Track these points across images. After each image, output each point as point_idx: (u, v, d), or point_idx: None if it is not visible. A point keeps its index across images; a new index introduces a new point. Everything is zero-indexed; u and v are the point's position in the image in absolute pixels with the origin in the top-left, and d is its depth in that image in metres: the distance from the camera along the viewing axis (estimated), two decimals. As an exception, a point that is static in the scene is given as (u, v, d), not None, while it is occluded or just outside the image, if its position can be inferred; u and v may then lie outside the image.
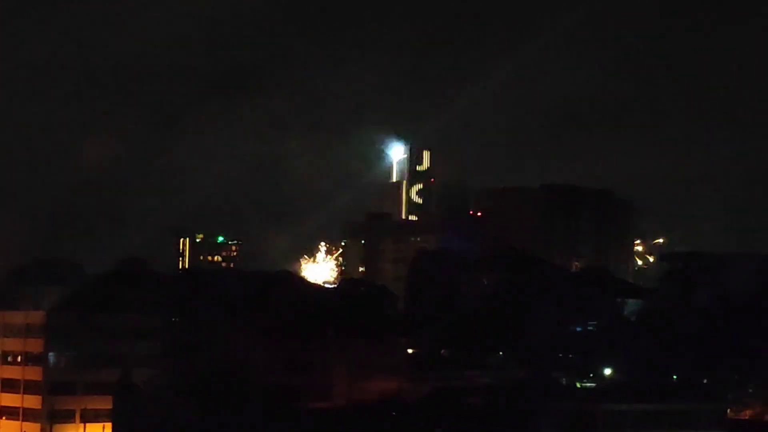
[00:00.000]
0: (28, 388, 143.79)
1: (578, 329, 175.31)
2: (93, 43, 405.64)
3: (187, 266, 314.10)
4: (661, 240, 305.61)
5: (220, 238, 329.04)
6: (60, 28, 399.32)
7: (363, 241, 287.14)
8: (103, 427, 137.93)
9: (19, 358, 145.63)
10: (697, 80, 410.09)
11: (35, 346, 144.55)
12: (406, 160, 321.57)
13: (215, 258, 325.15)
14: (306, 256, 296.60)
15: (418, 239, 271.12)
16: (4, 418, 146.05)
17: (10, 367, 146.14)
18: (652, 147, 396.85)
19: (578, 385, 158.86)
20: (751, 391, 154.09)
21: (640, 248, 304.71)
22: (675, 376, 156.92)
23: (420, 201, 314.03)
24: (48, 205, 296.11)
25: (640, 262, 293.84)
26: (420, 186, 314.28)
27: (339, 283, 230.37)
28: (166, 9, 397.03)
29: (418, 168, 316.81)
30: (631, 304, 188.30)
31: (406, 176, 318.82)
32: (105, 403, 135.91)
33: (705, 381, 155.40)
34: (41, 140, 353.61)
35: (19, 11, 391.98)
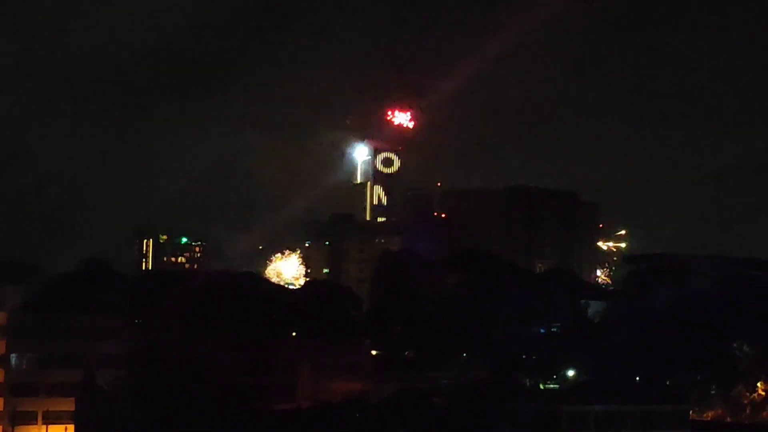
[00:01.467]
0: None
1: (541, 330, 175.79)
2: (52, 45, 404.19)
3: (150, 267, 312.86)
4: (623, 244, 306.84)
5: (184, 239, 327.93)
6: (15, 30, 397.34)
7: (327, 242, 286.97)
8: (66, 429, 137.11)
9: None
10: (662, 82, 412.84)
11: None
12: (370, 162, 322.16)
13: (179, 259, 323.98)
14: (270, 257, 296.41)
15: (383, 240, 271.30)
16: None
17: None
18: (617, 149, 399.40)
19: (541, 386, 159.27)
20: (713, 392, 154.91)
21: (605, 248, 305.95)
22: (638, 377, 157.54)
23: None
24: (9, 206, 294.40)
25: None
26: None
27: (303, 284, 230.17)
28: (123, 11, 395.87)
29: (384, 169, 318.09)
30: (595, 306, 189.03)
31: (370, 177, 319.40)
32: (67, 405, 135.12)
33: (668, 382, 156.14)
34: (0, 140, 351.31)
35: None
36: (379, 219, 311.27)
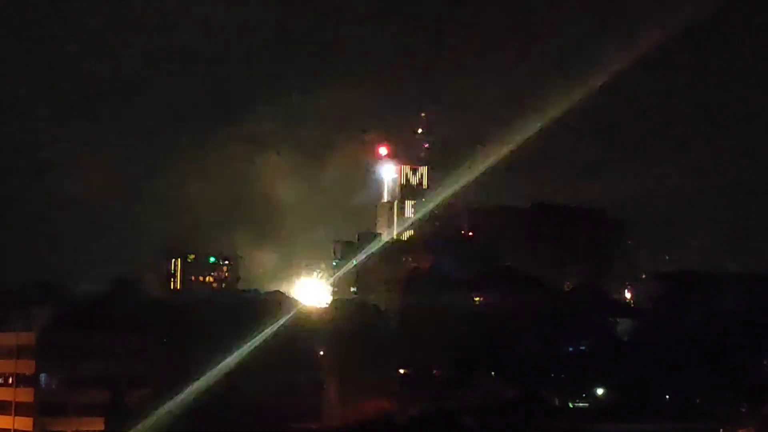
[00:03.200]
0: (20, 410, 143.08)
1: (570, 349, 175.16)
2: (81, 64, 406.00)
3: (178, 286, 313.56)
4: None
5: (212, 259, 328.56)
6: (46, 50, 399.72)
7: (354, 261, 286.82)
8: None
9: (10, 380, 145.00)
10: (691, 97, 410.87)
11: (26, 367, 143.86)
12: (397, 180, 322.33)
13: (207, 278, 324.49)
14: (297, 277, 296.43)
15: (410, 259, 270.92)
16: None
17: (1, 388, 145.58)
18: (645, 165, 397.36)
19: (570, 404, 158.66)
20: (744, 410, 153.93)
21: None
22: (668, 395, 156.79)
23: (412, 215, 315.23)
24: (35, 226, 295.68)
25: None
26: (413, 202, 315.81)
27: (330, 303, 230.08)
28: (150, 33, 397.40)
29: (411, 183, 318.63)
30: (624, 324, 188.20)
31: (397, 195, 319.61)
32: (97, 425, 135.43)
33: (698, 400, 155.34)
34: (29, 160, 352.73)
35: (14, 23, 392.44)
36: (406, 237, 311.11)
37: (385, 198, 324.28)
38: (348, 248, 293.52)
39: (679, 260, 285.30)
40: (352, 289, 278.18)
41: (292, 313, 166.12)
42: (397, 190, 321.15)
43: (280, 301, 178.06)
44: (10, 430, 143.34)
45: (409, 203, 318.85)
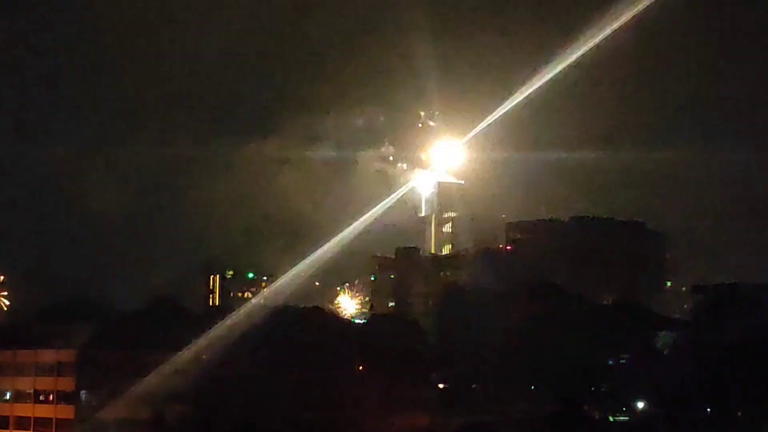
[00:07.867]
0: (60, 427, 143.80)
1: (610, 362, 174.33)
2: (113, 81, 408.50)
3: (217, 303, 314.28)
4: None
5: (251, 274, 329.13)
6: (77, 68, 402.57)
7: (392, 276, 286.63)
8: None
9: (51, 397, 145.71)
10: (733, 108, 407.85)
11: (67, 384, 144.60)
12: (435, 194, 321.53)
13: (246, 294, 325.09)
14: (335, 292, 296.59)
15: (448, 274, 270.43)
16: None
17: (42, 406, 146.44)
18: (685, 177, 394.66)
19: (611, 418, 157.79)
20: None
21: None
22: (709, 409, 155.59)
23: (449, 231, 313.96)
24: (76, 245, 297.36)
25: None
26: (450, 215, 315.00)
27: (369, 319, 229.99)
28: (182, 46, 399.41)
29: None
30: (664, 337, 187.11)
31: (435, 209, 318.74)
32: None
33: (739, 413, 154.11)
34: (66, 179, 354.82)
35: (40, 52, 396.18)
36: (444, 252, 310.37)
37: (423, 212, 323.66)
38: (386, 263, 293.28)
39: (719, 272, 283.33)
40: (390, 304, 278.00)
41: (330, 328, 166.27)
42: (435, 203, 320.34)
43: (318, 317, 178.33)
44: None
45: (446, 217, 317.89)
